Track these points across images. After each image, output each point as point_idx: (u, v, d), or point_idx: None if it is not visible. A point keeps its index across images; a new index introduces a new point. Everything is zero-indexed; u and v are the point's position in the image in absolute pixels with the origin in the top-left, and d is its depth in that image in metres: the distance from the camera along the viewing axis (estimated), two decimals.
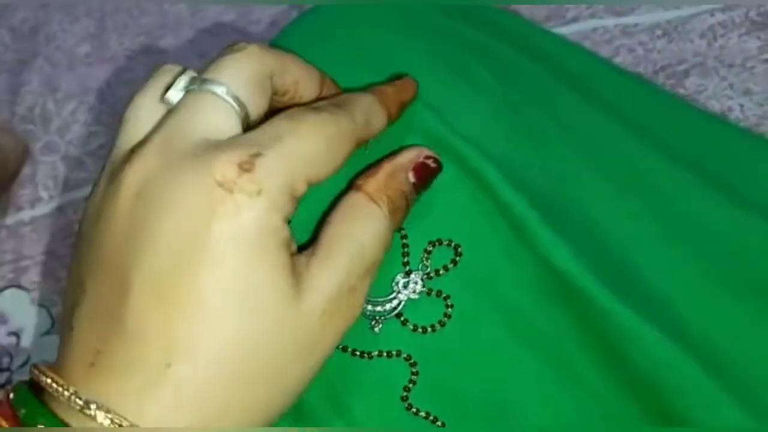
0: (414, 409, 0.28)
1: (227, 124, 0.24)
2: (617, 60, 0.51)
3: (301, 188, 0.24)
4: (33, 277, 0.49)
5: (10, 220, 0.52)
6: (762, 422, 0.26)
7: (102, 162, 0.27)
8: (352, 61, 0.31)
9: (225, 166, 0.22)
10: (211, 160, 0.22)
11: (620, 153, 0.32)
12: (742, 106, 0.48)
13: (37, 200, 0.53)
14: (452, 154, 0.29)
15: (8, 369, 0.47)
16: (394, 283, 0.28)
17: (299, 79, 0.27)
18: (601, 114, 0.33)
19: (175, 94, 0.25)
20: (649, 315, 0.27)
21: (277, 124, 0.24)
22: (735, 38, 0.49)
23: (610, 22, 0.52)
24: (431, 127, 0.29)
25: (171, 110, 0.25)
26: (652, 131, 0.34)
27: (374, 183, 0.26)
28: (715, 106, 0.49)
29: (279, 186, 0.23)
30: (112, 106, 0.55)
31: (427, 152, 0.28)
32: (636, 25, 0.51)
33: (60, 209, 0.52)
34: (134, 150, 0.24)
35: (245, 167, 0.22)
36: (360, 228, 0.25)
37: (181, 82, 0.25)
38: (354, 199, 0.26)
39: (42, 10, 0.58)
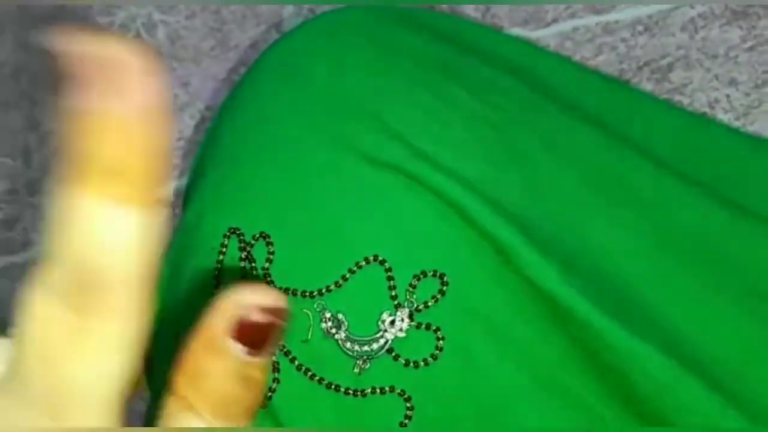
0: None
1: None
2: (600, 58, 0.50)
3: None
4: None
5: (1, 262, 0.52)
6: None
7: None
8: (327, 93, 0.31)
9: None
10: None
11: (606, 163, 0.32)
12: (728, 96, 0.48)
13: (28, 244, 0.53)
14: (429, 185, 0.28)
15: None
16: (380, 322, 0.28)
17: None
18: (583, 124, 0.33)
19: None
20: (645, 331, 0.27)
21: None
22: (716, 29, 0.49)
23: (591, 20, 0.51)
24: (404, 162, 0.29)
25: None
26: (637, 138, 0.33)
27: (183, 381, 0.17)
28: (701, 98, 0.48)
29: None
30: None
31: (250, 298, 0.16)
32: (617, 22, 0.51)
33: None
34: None
35: None
36: None
37: None
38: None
39: (24, 52, 0.58)
